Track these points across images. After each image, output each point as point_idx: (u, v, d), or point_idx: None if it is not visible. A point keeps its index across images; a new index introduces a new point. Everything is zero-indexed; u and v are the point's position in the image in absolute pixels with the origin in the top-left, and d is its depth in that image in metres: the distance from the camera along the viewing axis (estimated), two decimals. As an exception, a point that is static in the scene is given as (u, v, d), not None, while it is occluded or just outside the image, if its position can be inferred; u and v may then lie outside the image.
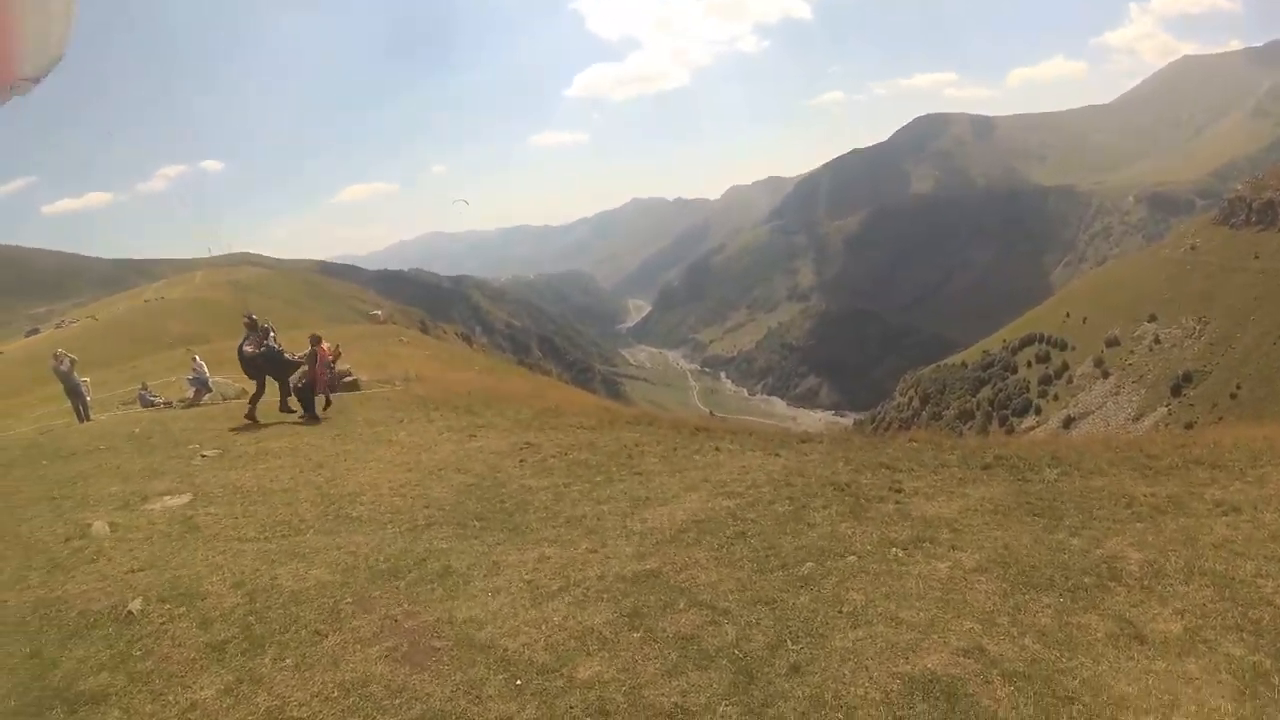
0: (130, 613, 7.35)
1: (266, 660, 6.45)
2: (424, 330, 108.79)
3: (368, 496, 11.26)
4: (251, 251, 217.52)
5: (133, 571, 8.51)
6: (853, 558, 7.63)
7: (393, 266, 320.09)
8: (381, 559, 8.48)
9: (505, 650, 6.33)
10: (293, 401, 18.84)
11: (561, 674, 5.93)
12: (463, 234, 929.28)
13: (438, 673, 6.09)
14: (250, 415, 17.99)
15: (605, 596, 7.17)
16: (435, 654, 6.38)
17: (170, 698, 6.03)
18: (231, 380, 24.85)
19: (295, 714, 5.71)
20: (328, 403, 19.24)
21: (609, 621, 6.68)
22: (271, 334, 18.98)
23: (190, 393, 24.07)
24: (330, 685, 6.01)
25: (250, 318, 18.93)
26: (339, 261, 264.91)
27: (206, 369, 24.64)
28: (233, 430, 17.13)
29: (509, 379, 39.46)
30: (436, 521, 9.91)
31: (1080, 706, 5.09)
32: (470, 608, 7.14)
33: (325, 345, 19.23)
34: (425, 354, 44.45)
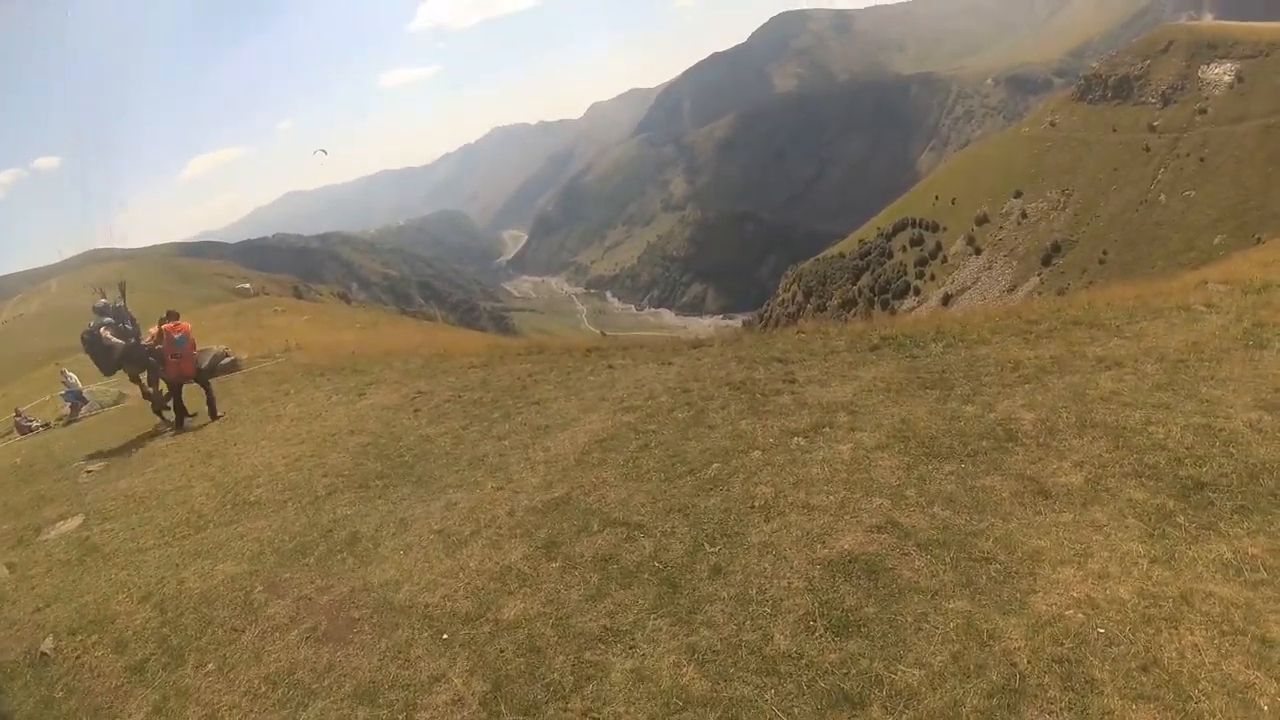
0: (44, 654, 7.00)
1: (189, 670, 6.20)
2: (298, 296, 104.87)
3: (263, 477, 10.84)
4: (103, 247, 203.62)
5: (39, 610, 8.05)
6: (757, 453, 7.72)
7: (255, 236, 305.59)
8: (287, 539, 8.21)
9: (426, 606, 6.21)
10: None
11: (487, 619, 5.86)
12: (322, 190, 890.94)
13: (362, 644, 5.94)
14: (159, 412, 16.19)
15: (518, 532, 7.09)
16: (356, 625, 6.21)
17: (101, 732, 5.78)
18: (108, 387, 23.55)
19: (228, 718, 5.51)
20: (209, 398, 16.04)
21: (525, 556, 6.61)
22: (132, 319, 16.54)
23: (67, 409, 22.71)
24: (257, 681, 5.81)
25: (107, 303, 16.22)
26: (199, 241, 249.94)
27: (78, 381, 23.29)
28: (115, 439, 16.11)
29: (393, 331, 38.58)
30: (337, 489, 9.62)
31: (997, 566, 5.26)
32: (384, 570, 6.97)
33: (175, 323, 15.61)
34: (303, 320, 42.92)
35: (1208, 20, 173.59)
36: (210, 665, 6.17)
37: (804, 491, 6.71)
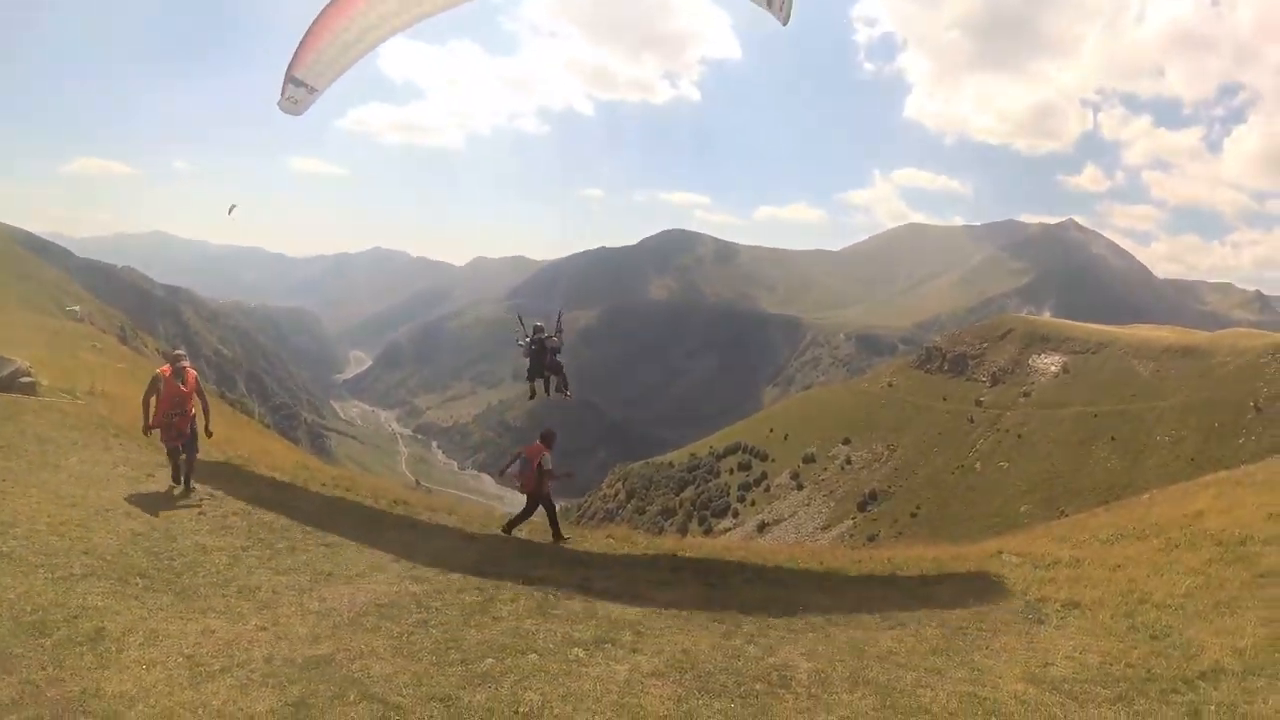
0: None
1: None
2: (122, 339, 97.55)
3: (22, 530, 9.87)
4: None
5: None
6: (534, 656, 7.73)
7: (107, 259, 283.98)
8: (29, 609, 7.52)
9: (156, 736, 5.78)
10: None
11: (214, 766, 5.52)
12: (192, 242, 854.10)
13: (81, 754, 5.45)
14: None
15: (271, 681, 6.73)
16: (80, 732, 5.70)
17: None
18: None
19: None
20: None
21: (272, 710, 6.27)
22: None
23: None
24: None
25: (543, 327, 18.12)
26: (49, 238, 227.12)
27: None
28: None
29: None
30: (95, 573, 8.89)
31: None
32: (122, 681, 6.45)
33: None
34: (118, 366, 39.74)
35: (1045, 316, 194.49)
36: None
37: (571, 705, 6.71)
